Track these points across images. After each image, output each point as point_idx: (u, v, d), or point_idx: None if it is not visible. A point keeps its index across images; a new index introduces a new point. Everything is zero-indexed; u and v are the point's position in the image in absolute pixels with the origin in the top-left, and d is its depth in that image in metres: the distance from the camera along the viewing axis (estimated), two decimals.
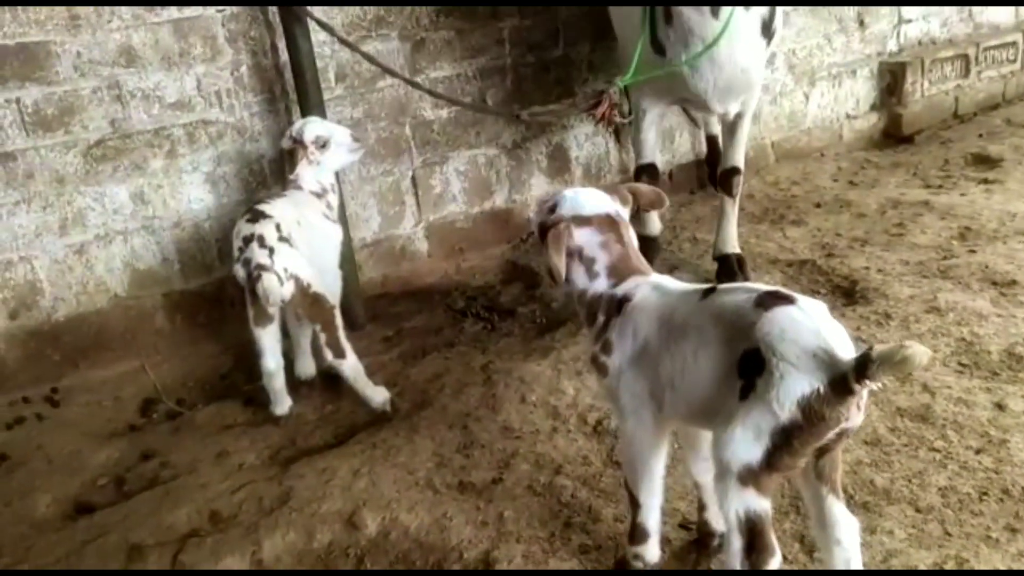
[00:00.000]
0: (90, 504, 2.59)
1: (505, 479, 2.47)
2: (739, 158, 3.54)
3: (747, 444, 1.56)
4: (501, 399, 2.86)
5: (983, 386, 2.67)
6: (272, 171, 3.58)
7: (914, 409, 2.58)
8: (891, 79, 5.20)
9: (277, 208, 2.87)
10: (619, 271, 1.95)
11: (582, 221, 1.96)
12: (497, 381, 2.99)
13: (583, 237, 1.96)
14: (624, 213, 2.03)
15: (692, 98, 3.29)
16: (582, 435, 2.63)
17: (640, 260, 2.00)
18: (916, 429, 2.50)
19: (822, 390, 1.50)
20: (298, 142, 3.06)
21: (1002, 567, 1.98)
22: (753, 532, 1.60)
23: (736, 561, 1.63)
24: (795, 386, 1.51)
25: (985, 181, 4.47)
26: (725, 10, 2.93)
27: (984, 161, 4.78)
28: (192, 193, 3.45)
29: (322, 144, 3.09)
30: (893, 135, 5.31)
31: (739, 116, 3.44)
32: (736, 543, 1.62)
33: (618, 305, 1.91)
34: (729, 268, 3.56)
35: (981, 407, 2.54)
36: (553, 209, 2.00)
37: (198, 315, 3.54)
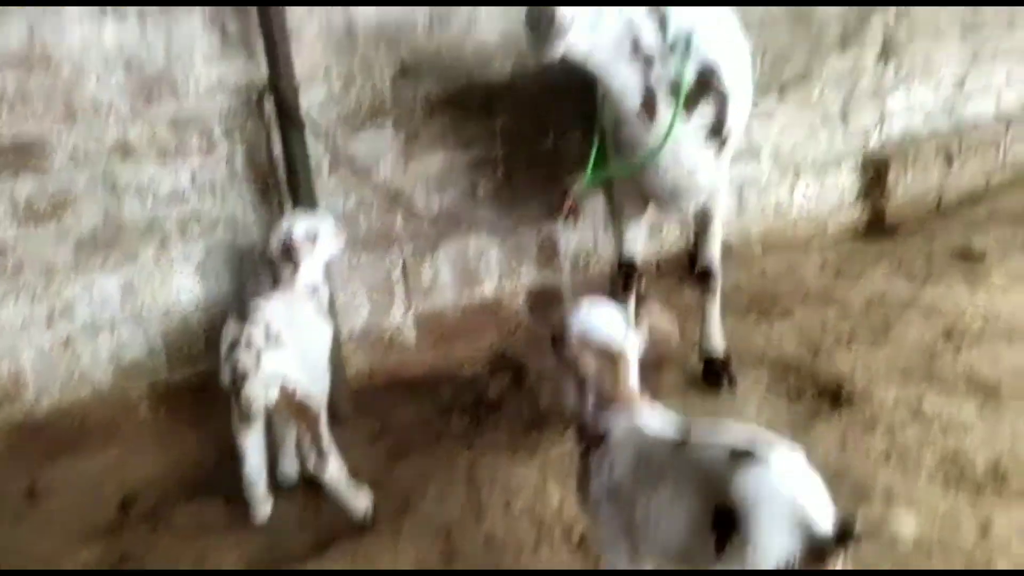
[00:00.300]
0: None
1: None
2: (712, 258, 3.58)
3: None
4: (485, 506, 2.84)
5: (968, 502, 2.66)
6: (263, 263, 3.59)
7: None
8: (874, 172, 5.30)
9: (267, 308, 2.87)
10: (608, 400, 1.96)
11: (586, 342, 1.98)
12: (481, 485, 2.96)
13: (583, 357, 1.98)
14: (633, 339, 2.03)
15: (651, 198, 3.37)
16: (566, 549, 2.60)
17: (633, 389, 2.01)
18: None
19: (798, 555, 1.50)
20: (289, 242, 3.07)
21: None
22: None
23: None
24: (769, 553, 1.51)
25: (969, 276, 4.52)
26: (663, 117, 2.96)
27: (968, 255, 4.84)
28: (182, 284, 3.46)
29: (313, 238, 3.12)
30: (878, 227, 5.38)
31: (705, 217, 3.49)
32: None
33: (600, 436, 1.92)
34: (714, 371, 3.58)
35: (966, 528, 2.53)
36: (563, 320, 2.02)
37: (182, 407, 3.51)
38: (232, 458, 3.10)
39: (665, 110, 2.93)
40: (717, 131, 3.10)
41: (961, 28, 5.62)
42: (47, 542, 2.86)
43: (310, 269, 3.11)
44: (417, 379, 4.02)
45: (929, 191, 5.53)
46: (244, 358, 2.67)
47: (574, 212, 3.43)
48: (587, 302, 2.07)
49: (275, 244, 3.09)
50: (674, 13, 2.93)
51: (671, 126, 2.93)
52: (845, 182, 5.30)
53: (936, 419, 3.14)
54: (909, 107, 5.46)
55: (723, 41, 3.16)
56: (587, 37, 2.64)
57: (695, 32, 2.93)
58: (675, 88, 2.90)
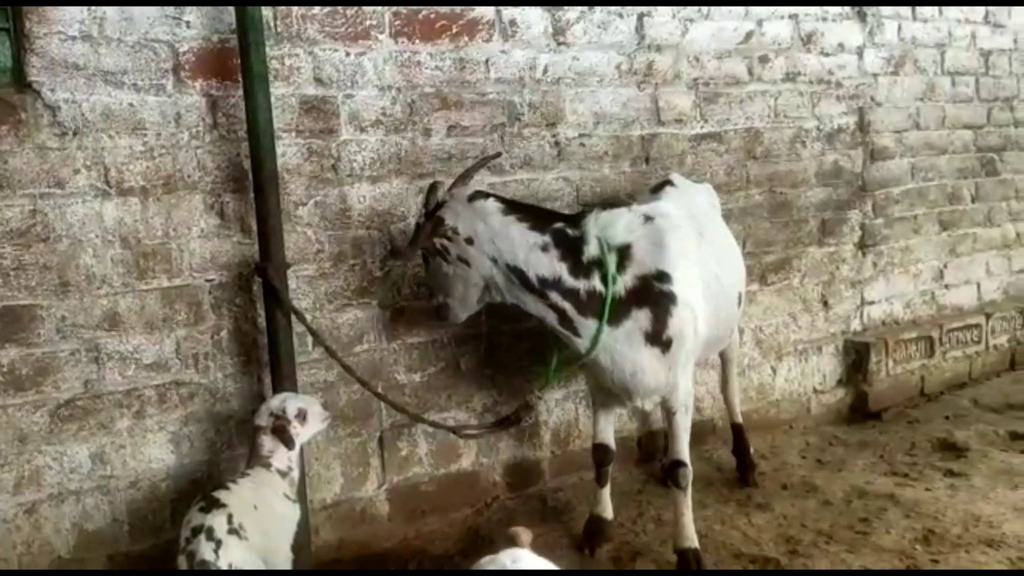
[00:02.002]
0: None
1: None
2: (680, 451, 3.58)
3: None
4: None
5: None
6: (238, 432, 3.60)
7: None
8: (856, 357, 5.38)
9: (234, 495, 2.85)
10: None
11: None
12: None
13: None
14: None
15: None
16: None
17: None
18: None
19: None
20: (281, 419, 3.08)
21: None
22: None
23: None
24: None
25: (951, 473, 4.50)
26: (589, 328, 3.24)
27: (950, 448, 4.83)
28: (153, 453, 3.45)
29: (303, 417, 3.15)
30: (860, 411, 5.41)
31: (667, 413, 3.58)
32: None
33: None
34: (685, 564, 3.52)
35: None
36: None
37: None
38: None
39: (590, 319, 3.21)
40: (657, 336, 3.25)
41: (939, 224, 5.86)
42: None
43: (289, 449, 3.12)
44: (387, 552, 3.93)
45: (912, 377, 5.59)
46: (204, 548, 2.63)
47: (527, 409, 3.68)
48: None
49: (265, 419, 3.10)
50: (615, 228, 3.29)
51: (597, 335, 3.22)
52: (827, 366, 5.37)
53: None
54: (889, 295, 5.61)
55: (681, 244, 3.36)
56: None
57: (633, 245, 3.26)
58: (600, 301, 3.19)
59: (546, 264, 3.20)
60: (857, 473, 4.57)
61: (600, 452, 3.84)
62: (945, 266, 5.93)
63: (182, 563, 2.68)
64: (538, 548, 2.02)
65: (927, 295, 5.86)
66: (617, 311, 3.20)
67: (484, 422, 4.10)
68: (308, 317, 3.63)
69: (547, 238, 3.22)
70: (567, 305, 3.22)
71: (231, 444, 3.60)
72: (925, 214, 5.78)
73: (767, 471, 4.63)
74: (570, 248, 3.21)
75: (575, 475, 4.47)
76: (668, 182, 4.05)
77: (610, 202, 3.96)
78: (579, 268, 3.20)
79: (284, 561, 2.99)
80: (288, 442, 3.07)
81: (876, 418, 5.37)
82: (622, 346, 3.25)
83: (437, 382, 4.11)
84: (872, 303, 5.54)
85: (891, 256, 5.61)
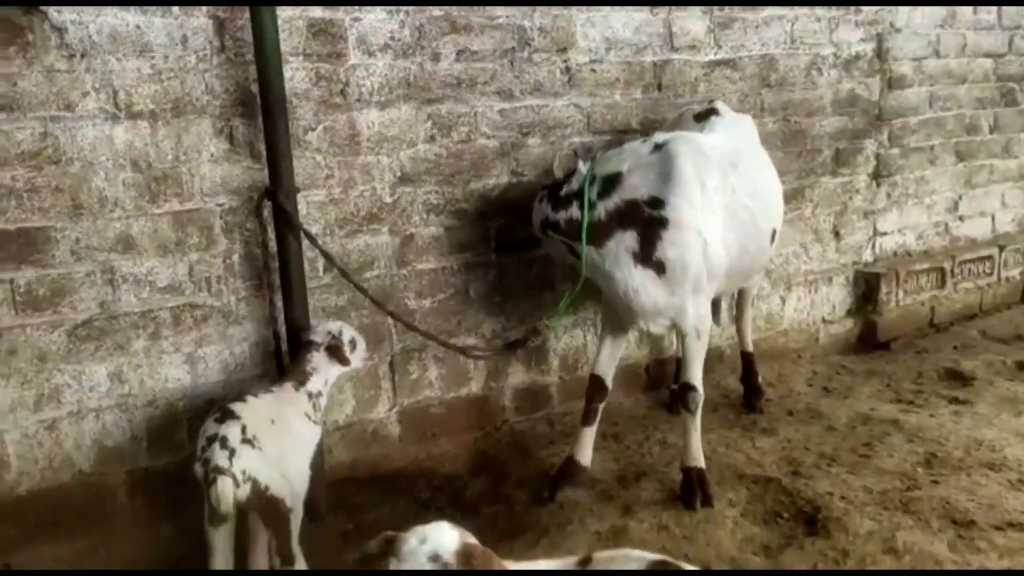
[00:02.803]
0: None
1: None
2: (692, 375, 3.63)
3: None
4: None
5: None
6: (251, 354, 3.68)
7: None
8: (866, 287, 5.37)
9: (250, 408, 2.93)
10: None
11: None
12: None
13: None
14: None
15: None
16: None
17: None
18: None
19: None
20: (337, 339, 3.23)
21: None
22: None
23: None
24: None
25: (955, 400, 4.54)
26: (581, 250, 3.47)
27: (957, 377, 4.87)
28: (170, 373, 3.53)
29: (353, 346, 3.31)
30: (868, 341, 5.43)
31: (680, 336, 3.67)
32: None
33: None
34: (689, 483, 3.59)
35: None
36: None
37: (159, 494, 3.54)
38: (204, 553, 3.13)
39: (578, 244, 3.47)
40: (647, 257, 3.39)
41: (955, 154, 5.77)
42: None
43: (328, 373, 3.24)
44: (398, 472, 4.04)
45: (922, 308, 5.59)
46: (218, 455, 2.72)
47: (535, 334, 3.87)
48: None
49: (321, 337, 3.24)
50: (609, 162, 3.54)
51: (583, 257, 3.47)
52: (837, 296, 5.38)
53: (908, 553, 3.12)
54: (902, 226, 5.57)
55: (695, 171, 3.42)
56: None
57: (625, 173, 3.44)
58: (578, 225, 3.45)
59: (539, 212, 3.68)
60: (863, 400, 4.62)
61: (594, 385, 3.80)
62: (960, 197, 5.87)
63: (197, 470, 2.77)
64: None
65: (940, 227, 5.81)
66: (598, 233, 3.42)
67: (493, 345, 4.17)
68: (319, 241, 3.66)
69: (542, 192, 3.70)
70: (558, 237, 3.59)
71: (244, 366, 3.67)
72: (941, 144, 5.70)
73: (773, 398, 4.68)
74: (554, 192, 3.61)
75: (582, 400, 4.52)
76: (713, 111, 4.05)
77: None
78: (559, 203, 3.56)
79: (301, 478, 3.07)
80: (343, 360, 3.24)
81: (884, 348, 5.39)
82: (610, 266, 3.44)
83: (447, 308, 4.16)
84: (884, 234, 5.51)
85: (905, 187, 5.56)
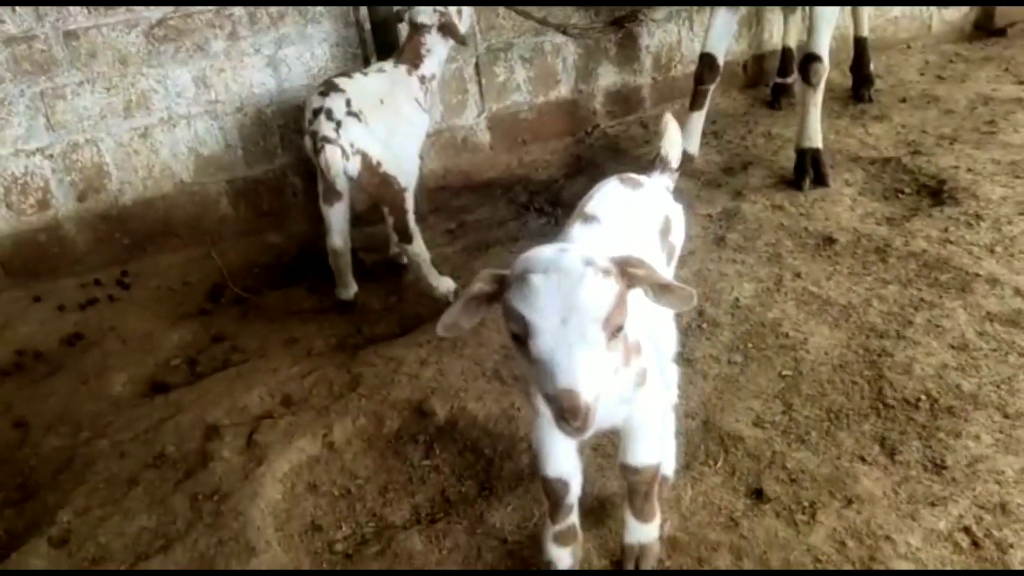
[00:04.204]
0: (165, 383, 2.64)
1: None
2: (819, 45, 3.33)
3: None
4: None
5: None
6: (331, 56, 3.47)
7: (1005, 314, 2.47)
8: None
9: (356, 83, 2.78)
10: None
11: None
12: None
13: None
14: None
15: None
16: None
17: None
18: (1006, 334, 2.39)
19: None
20: (446, 15, 2.98)
21: None
22: None
23: None
24: None
25: None
26: None
27: None
28: (254, 77, 3.37)
29: (460, 14, 3.05)
30: (985, 27, 4.95)
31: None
32: None
33: None
34: (803, 165, 3.40)
35: None
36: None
37: (261, 203, 3.52)
38: (314, 254, 3.14)
39: None
40: None
41: None
42: (142, 323, 2.96)
43: (441, 52, 3.05)
44: (491, 181, 3.94)
45: None
46: (325, 126, 2.62)
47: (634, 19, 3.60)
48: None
49: (429, 17, 2.99)
50: None
51: None
52: None
53: None
54: None
55: None
56: None
57: None
58: None
59: None
60: (981, 83, 4.27)
61: (704, 64, 3.53)
62: None
63: (307, 143, 2.68)
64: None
65: None
66: None
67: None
68: None
69: None
70: None
71: (327, 69, 3.48)
72: None
73: (883, 88, 4.36)
74: None
75: (677, 102, 4.27)
76: None
77: None
78: None
79: (411, 165, 2.94)
80: (457, 35, 3.00)
81: (1001, 35, 4.92)
82: None
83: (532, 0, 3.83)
84: None
85: None
